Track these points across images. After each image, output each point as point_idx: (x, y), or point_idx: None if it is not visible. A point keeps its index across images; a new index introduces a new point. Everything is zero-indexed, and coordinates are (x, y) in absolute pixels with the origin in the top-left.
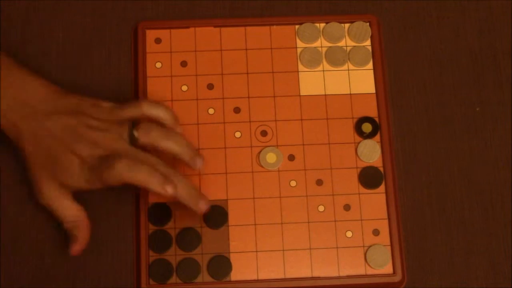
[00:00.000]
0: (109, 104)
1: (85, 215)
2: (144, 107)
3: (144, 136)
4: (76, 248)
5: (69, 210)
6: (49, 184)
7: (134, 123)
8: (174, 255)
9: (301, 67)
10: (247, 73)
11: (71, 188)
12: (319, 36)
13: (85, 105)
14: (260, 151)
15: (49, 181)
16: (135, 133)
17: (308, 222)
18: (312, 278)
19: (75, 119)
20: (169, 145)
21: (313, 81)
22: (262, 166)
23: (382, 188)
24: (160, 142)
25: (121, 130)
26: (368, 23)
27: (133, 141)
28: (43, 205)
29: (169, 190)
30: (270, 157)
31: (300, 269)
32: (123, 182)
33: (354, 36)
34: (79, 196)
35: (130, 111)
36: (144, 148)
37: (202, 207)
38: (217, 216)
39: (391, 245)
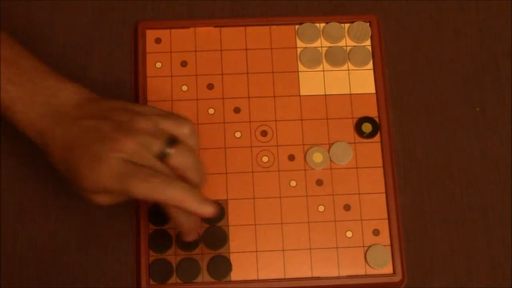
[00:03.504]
0: (148, 109)
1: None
2: (186, 130)
3: (179, 159)
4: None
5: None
6: (81, 189)
7: (173, 140)
8: (174, 255)
9: (301, 67)
10: (247, 73)
11: (94, 191)
12: (319, 36)
13: (116, 109)
14: (307, 151)
15: (79, 186)
16: (170, 150)
17: (308, 222)
18: (312, 278)
19: (101, 121)
20: (195, 178)
21: (313, 81)
22: (309, 166)
23: (382, 188)
24: (189, 171)
25: (153, 140)
26: (368, 23)
27: (162, 157)
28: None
29: (209, 210)
30: (317, 156)
31: (300, 269)
32: (152, 198)
33: (354, 36)
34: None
35: (170, 125)
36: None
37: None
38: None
39: (391, 245)
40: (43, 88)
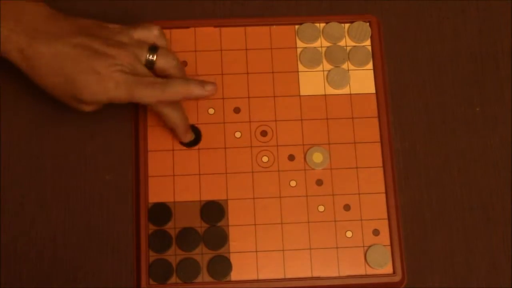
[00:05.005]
0: (117, 26)
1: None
2: (155, 31)
3: (163, 61)
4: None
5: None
6: (75, 104)
7: (154, 47)
8: (174, 255)
9: (301, 67)
10: (247, 73)
11: (97, 104)
12: (319, 36)
13: (92, 26)
14: (307, 151)
15: (73, 102)
16: (153, 57)
17: (308, 222)
18: (312, 278)
19: (87, 38)
20: (180, 73)
21: (313, 81)
22: (309, 166)
23: (382, 188)
24: (174, 70)
25: (139, 51)
26: (368, 23)
27: (150, 64)
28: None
29: (210, 88)
30: (317, 156)
31: (300, 269)
32: (160, 99)
33: (354, 36)
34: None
35: (141, 33)
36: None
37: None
38: (215, 212)
39: (391, 245)
40: (7, 7)
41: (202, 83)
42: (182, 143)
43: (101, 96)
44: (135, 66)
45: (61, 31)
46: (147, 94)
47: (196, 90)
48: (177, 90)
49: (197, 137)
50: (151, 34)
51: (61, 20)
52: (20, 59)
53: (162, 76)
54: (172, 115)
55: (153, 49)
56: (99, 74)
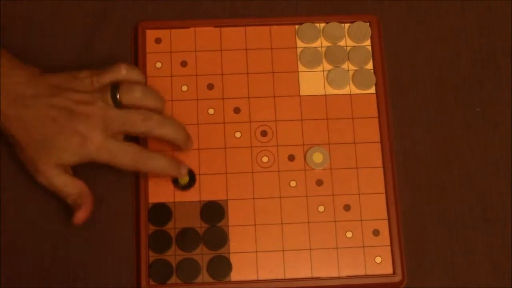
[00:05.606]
0: (87, 73)
1: (85, 187)
2: (123, 71)
3: (127, 97)
4: (80, 215)
5: (71, 185)
6: (46, 164)
7: (115, 86)
8: (174, 255)
9: (301, 67)
10: (247, 73)
11: (70, 165)
12: (319, 36)
13: (64, 81)
14: (307, 151)
15: (46, 162)
16: (118, 96)
17: (308, 222)
18: (312, 278)
19: (61, 97)
20: (151, 102)
21: (313, 81)
22: (309, 166)
23: (382, 188)
24: (143, 100)
25: (104, 96)
26: (368, 23)
27: (117, 104)
28: (42, 184)
29: (184, 172)
30: (317, 156)
31: (300, 269)
32: (141, 171)
33: (354, 36)
34: None
35: (110, 76)
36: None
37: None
38: (215, 212)
39: (391, 245)
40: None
41: (178, 165)
42: (177, 186)
43: (82, 158)
44: (109, 117)
45: (38, 93)
46: (126, 163)
47: (173, 172)
48: (155, 167)
49: (192, 180)
50: (120, 74)
51: (40, 81)
52: (1, 118)
53: (141, 107)
54: (164, 135)
55: (115, 87)
56: (81, 136)
